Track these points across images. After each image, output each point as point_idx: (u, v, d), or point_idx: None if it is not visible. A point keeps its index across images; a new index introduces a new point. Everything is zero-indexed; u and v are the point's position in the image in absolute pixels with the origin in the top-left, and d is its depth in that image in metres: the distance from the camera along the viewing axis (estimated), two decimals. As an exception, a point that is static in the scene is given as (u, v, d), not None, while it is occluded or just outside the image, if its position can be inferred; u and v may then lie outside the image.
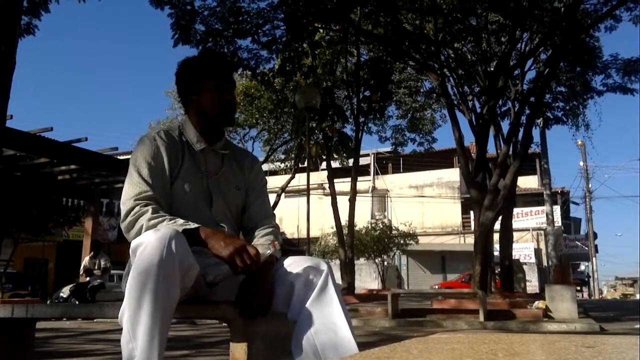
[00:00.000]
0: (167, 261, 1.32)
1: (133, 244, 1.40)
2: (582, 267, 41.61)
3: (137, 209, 1.53)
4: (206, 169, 1.73)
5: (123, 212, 1.56)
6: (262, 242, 1.67)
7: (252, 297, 1.44)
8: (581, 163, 31.85)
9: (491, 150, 14.20)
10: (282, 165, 21.61)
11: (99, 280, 9.43)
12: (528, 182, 29.41)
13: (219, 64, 1.74)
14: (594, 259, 30.90)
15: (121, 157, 13.15)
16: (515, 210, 18.85)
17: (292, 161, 20.01)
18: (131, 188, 1.58)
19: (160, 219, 1.50)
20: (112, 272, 10.84)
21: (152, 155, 1.63)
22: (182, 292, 1.41)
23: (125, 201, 1.56)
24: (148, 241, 1.35)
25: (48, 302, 10.67)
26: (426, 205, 29.97)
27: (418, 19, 13.17)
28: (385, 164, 31.99)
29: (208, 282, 1.57)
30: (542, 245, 27.57)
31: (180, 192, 1.65)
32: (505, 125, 15.01)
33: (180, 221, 1.50)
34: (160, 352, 1.32)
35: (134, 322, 1.32)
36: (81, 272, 9.95)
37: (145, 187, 1.57)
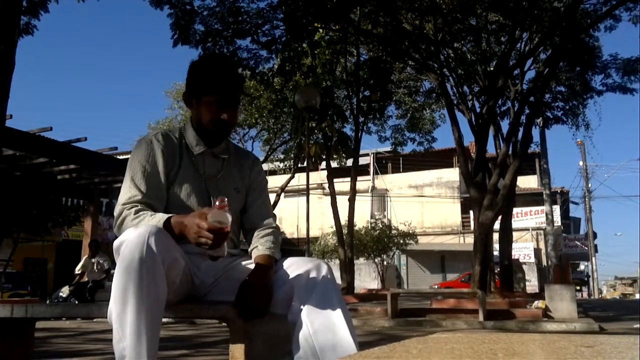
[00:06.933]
0: (147, 258, 1.32)
1: (115, 244, 1.41)
2: (582, 267, 41.62)
3: (124, 213, 1.55)
4: (205, 172, 1.71)
5: (114, 218, 1.58)
6: (261, 243, 1.66)
7: (252, 298, 1.44)
8: (581, 163, 31.85)
9: (491, 150, 14.21)
10: (282, 165, 21.60)
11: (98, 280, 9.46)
12: (527, 182, 29.42)
13: (225, 79, 1.65)
14: (593, 258, 30.91)
15: (120, 157, 13.13)
16: (515, 210, 18.86)
17: (292, 161, 20.00)
18: (123, 193, 1.60)
19: (141, 216, 1.51)
20: (111, 272, 10.82)
21: (147, 159, 1.62)
22: (171, 287, 1.41)
23: (117, 207, 1.58)
24: (128, 240, 1.36)
25: (47, 301, 10.66)
26: (426, 205, 29.98)
27: (418, 18, 13.16)
28: (385, 164, 32.00)
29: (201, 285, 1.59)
30: (542, 245, 27.60)
31: (178, 195, 1.64)
32: (504, 125, 15.04)
33: (159, 215, 1.49)
34: (149, 349, 1.32)
35: (122, 321, 1.32)
36: (78, 271, 9.92)
37: (135, 191, 1.58)
